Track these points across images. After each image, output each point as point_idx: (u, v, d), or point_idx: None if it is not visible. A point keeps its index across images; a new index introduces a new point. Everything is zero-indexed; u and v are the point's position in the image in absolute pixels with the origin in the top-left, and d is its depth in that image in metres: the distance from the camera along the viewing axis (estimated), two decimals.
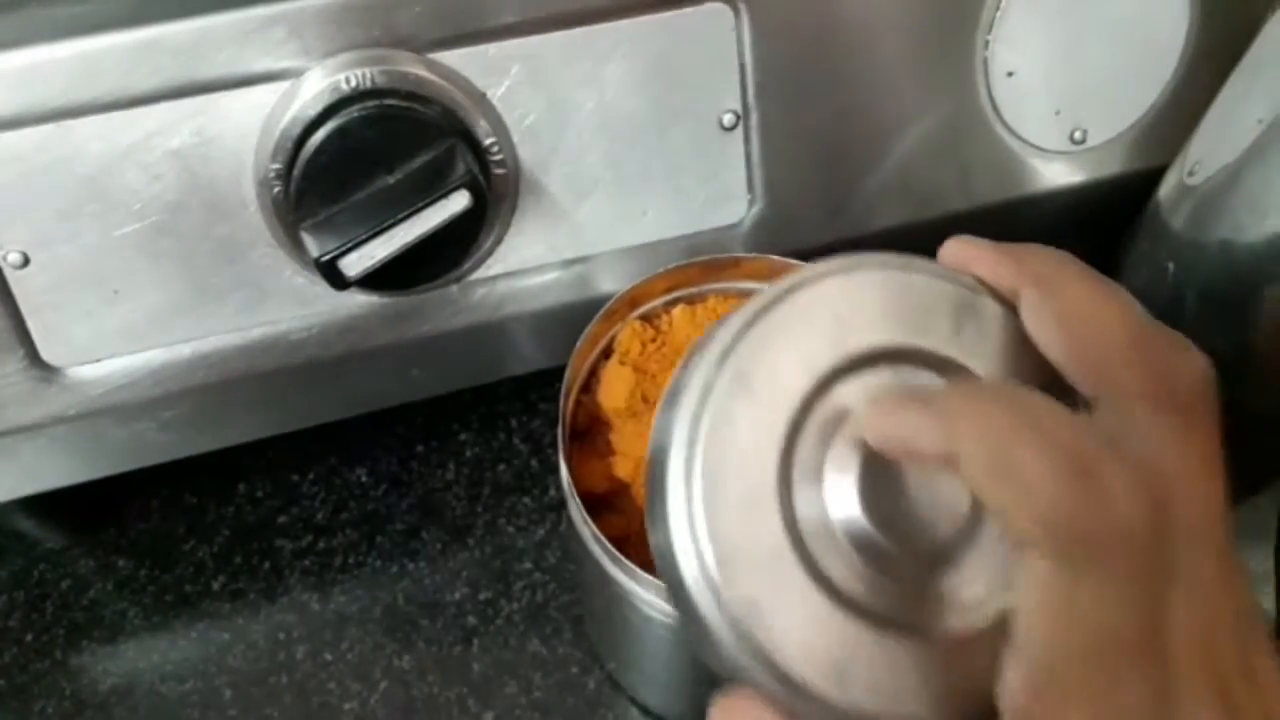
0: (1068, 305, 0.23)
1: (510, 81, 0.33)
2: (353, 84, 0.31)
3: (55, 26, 0.30)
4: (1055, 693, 0.21)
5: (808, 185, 0.37)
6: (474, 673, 0.41)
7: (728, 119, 0.36)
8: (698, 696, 0.28)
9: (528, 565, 0.44)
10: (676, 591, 0.24)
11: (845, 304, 0.24)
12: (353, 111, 0.31)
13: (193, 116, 0.31)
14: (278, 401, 0.38)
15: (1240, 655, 0.21)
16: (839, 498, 0.23)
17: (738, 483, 0.23)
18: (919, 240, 0.29)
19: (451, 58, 0.32)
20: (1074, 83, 0.38)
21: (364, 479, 0.47)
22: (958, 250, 0.25)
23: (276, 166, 0.32)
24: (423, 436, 0.48)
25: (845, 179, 0.38)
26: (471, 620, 0.42)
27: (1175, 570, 0.21)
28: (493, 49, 0.32)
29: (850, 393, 0.24)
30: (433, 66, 0.32)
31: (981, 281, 0.25)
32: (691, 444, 0.23)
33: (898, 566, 0.23)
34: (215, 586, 0.44)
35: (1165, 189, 0.35)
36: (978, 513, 0.23)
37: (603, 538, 0.31)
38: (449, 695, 0.41)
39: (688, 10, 0.34)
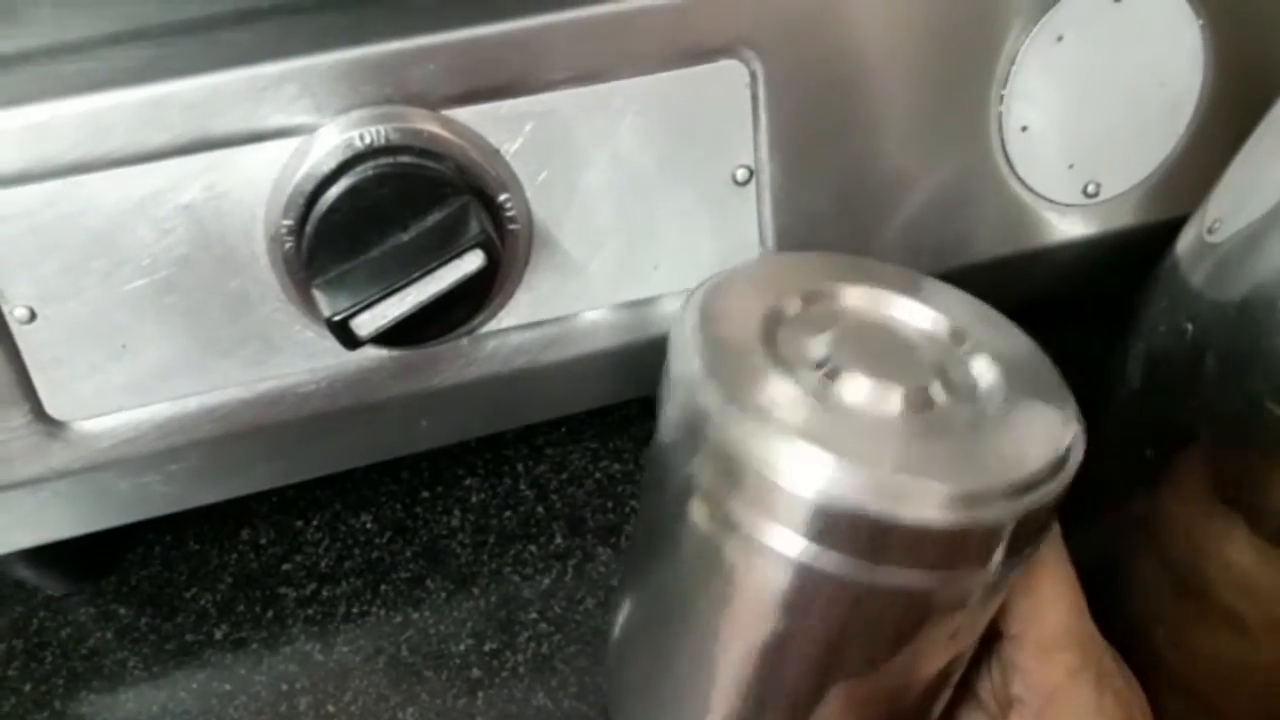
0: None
1: (524, 138, 0.33)
2: (366, 141, 0.31)
3: (65, 83, 0.30)
4: None
5: (821, 240, 0.37)
6: None
7: (740, 174, 0.35)
8: None
9: (533, 615, 0.43)
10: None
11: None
12: (366, 168, 0.31)
13: (204, 172, 0.31)
14: (285, 453, 0.38)
15: None
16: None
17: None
18: None
19: (465, 114, 0.32)
20: (1087, 137, 0.38)
21: (368, 526, 0.46)
22: None
23: (288, 223, 0.32)
24: (428, 483, 0.47)
25: (859, 233, 0.37)
26: (476, 672, 0.42)
27: None
28: (506, 106, 0.32)
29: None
30: (446, 123, 0.32)
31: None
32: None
33: None
34: (217, 635, 0.43)
35: (1183, 245, 0.35)
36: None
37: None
38: None
39: (701, 67, 0.33)
